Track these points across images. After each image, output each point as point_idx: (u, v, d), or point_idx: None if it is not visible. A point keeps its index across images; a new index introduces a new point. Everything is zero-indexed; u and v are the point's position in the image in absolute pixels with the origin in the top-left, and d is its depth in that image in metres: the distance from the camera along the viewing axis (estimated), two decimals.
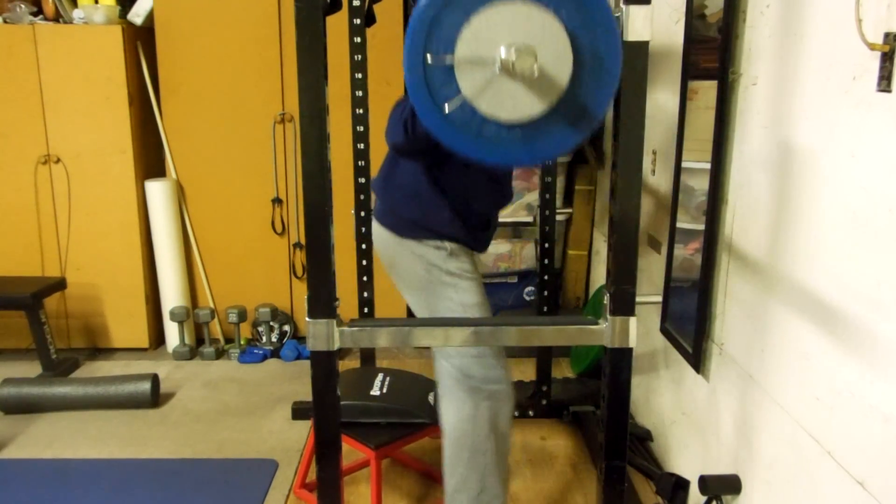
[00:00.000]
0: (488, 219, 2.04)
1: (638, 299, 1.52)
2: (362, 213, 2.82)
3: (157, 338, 3.76)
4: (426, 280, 1.94)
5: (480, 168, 1.89)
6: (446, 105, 1.30)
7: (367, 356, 3.10)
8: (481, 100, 1.31)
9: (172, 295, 3.63)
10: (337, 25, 2.26)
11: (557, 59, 1.29)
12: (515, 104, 1.31)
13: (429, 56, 1.29)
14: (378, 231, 2.03)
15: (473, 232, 1.97)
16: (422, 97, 1.32)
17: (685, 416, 2.31)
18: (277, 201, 3.63)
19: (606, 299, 1.54)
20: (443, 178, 1.91)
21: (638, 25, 1.36)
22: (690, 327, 2.12)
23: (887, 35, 1.26)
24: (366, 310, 2.97)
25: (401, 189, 1.96)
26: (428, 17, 1.28)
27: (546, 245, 2.83)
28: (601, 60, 1.32)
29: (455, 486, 1.93)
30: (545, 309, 2.86)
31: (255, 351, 3.62)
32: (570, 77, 1.30)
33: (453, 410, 1.93)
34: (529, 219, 3.57)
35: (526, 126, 1.34)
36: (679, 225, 2.27)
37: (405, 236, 1.95)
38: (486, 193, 1.98)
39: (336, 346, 1.52)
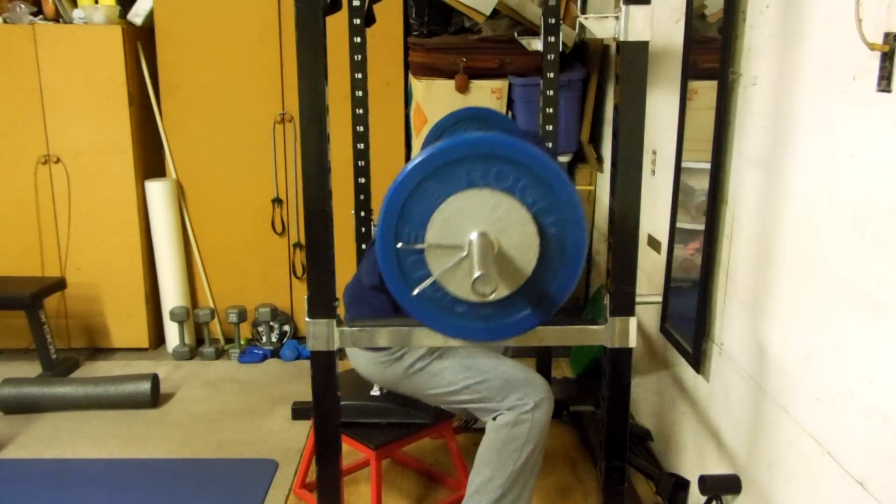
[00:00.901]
0: None
1: (638, 299, 1.52)
2: (362, 213, 2.82)
3: (157, 338, 3.76)
4: (416, 383, 1.98)
5: None
6: (416, 289, 1.36)
7: None
8: (450, 281, 1.37)
9: (172, 295, 3.63)
10: (337, 25, 2.26)
11: (523, 246, 1.35)
12: None
13: (399, 244, 1.35)
14: (353, 356, 2.05)
15: None
16: (394, 277, 1.39)
17: (685, 416, 2.31)
18: (277, 201, 3.63)
19: (606, 299, 1.54)
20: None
21: (638, 25, 1.37)
22: (690, 327, 2.12)
23: (887, 35, 1.26)
24: None
25: (371, 307, 1.98)
26: (396, 207, 1.34)
27: None
28: (565, 248, 1.37)
29: (477, 486, 1.93)
30: None
31: (255, 351, 3.62)
32: (535, 263, 1.36)
33: (496, 415, 1.94)
34: None
35: (491, 306, 1.40)
36: (679, 225, 2.27)
37: (378, 358, 1.98)
38: None
39: (336, 346, 1.53)
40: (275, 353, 3.65)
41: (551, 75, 2.58)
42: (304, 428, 2.91)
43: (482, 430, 1.97)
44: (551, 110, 2.62)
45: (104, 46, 3.36)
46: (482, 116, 2.72)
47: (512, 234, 1.34)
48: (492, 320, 1.42)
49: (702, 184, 2.08)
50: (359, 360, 2.05)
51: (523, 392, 1.90)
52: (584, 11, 3.37)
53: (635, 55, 1.38)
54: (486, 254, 1.30)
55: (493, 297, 1.35)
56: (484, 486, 1.91)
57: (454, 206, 1.33)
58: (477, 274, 1.25)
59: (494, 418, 1.92)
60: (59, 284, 3.46)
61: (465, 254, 1.33)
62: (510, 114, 3.27)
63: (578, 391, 3.09)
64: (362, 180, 2.80)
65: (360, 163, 2.78)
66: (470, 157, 1.31)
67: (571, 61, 3.35)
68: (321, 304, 1.50)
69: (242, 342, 3.69)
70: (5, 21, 3.38)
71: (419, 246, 1.34)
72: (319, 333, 1.51)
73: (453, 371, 1.94)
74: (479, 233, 1.33)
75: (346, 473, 2.50)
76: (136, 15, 3.50)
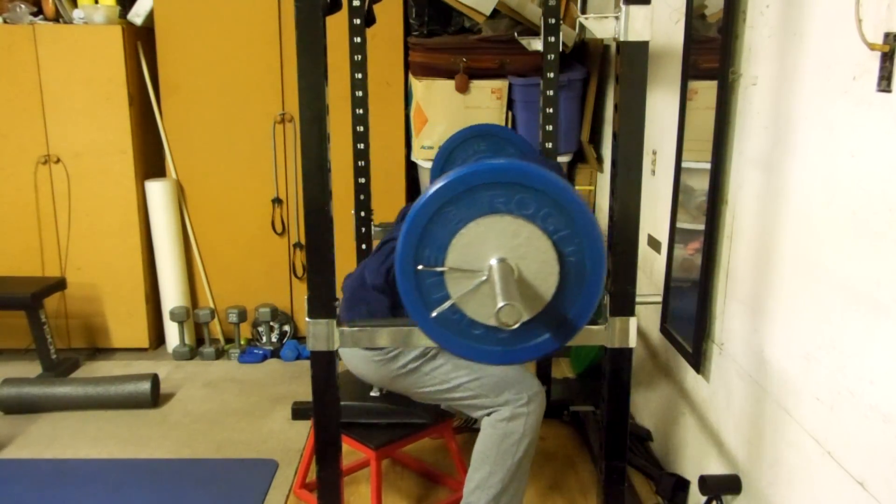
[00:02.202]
0: None
1: (638, 299, 1.52)
2: (362, 214, 2.82)
3: (157, 338, 3.76)
4: (410, 381, 1.99)
5: None
6: (435, 311, 1.36)
7: None
8: (468, 304, 1.36)
9: (172, 295, 3.63)
10: (337, 25, 2.26)
11: (543, 273, 1.35)
12: None
13: (420, 266, 1.34)
14: (346, 353, 2.05)
15: None
16: (413, 299, 1.37)
17: (685, 416, 2.31)
18: (277, 201, 3.63)
19: (606, 299, 1.54)
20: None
21: (638, 25, 1.37)
22: (690, 327, 2.12)
23: (887, 35, 1.26)
24: None
25: (368, 305, 1.98)
26: (417, 229, 1.33)
27: None
28: (584, 275, 1.36)
29: (477, 483, 1.94)
30: None
31: (255, 351, 3.62)
32: (555, 289, 1.36)
33: (491, 412, 1.94)
34: None
35: (509, 331, 1.38)
36: (679, 225, 2.27)
37: (372, 357, 1.98)
38: None
39: (336, 346, 1.53)
40: (275, 353, 3.65)
41: (551, 75, 2.58)
42: (304, 428, 2.91)
43: None
44: (551, 110, 2.62)
45: (104, 46, 3.36)
46: (489, 132, 2.71)
47: (532, 261, 1.34)
48: (510, 344, 1.41)
49: (702, 184, 2.08)
50: (351, 359, 2.05)
51: (517, 388, 1.92)
52: (584, 11, 3.37)
53: (635, 55, 1.38)
54: (510, 282, 1.30)
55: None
56: (484, 481, 1.92)
57: (475, 232, 1.33)
58: (501, 304, 1.24)
59: (489, 415, 1.93)
60: (59, 284, 3.46)
61: (484, 278, 1.33)
62: (510, 114, 3.27)
63: (578, 391, 3.09)
64: (362, 180, 2.80)
65: (360, 163, 2.78)
66: (494, 184, 1.31)
67: (571, 61, 3.36)
68: (321, 304, 1.50)
69: (242, 342, 3.69)
70: (5, 21, 3.38)
71: (439, 269, 1.34)
72: (319, 333, 1.52)
73: (447, 370, 1.95)
74: (498, 259, 1.33)
75: (346, 473, 2.50)
76: (136, 15, 3.50)
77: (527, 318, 1.36)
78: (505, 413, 1.91)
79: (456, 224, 1.33)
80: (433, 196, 1.32)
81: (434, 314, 1.36)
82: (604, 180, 3.49)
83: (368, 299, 1.98)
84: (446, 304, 1.35)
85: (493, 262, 1.33)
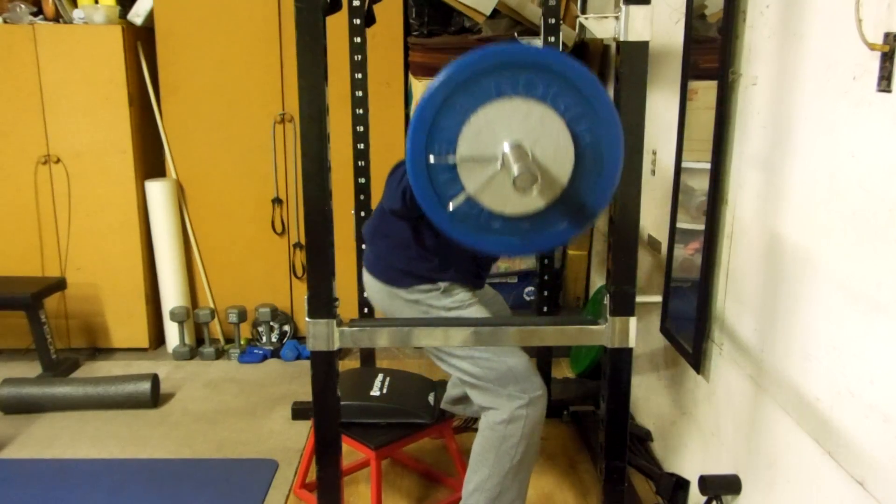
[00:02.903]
0: (478, 270, 2.05)
1: (638, 299, 1.52)
2: (362, 213, 2.82)
3: (157, 338, 3.76)
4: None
5: None
6: (451, 203, 1.32)
7: (367, 356, 3.10)
8: (484, 195, 1.32)
9: (172, 295, 3.63)
10: (337, 25, 2.26)
11: (558, 155, 1.31)
12: (518, 199, 1.32)
13: (431, 157, 1.30)
14: (369, 281, 2.05)
15: (464, 276, 1.98)
16: (427, 195, 1.34)
17: (685, 416, 2.31)
18: (277, 201, 3.63)
19: (606, 299, 1.54)
20: (432, 237, 1.92)
21: (638, 25, 1.37)
22: (690, 327, 2.12)
23: (887, 35, 1.26)
24: (366, 310, 2.97)
25: (389, 238, 1.98)
26: (427, 120, 1.29)
27: None
28: (601, 156, 1.32)
29: (476, 485, 1.93)
30: (545, 309, 2.86)
31: (255, 351, 3.62)
32: (571, 173, 1.31)
33: (489, 412, 1.93)
34: None
35: (527, 220, 1.35)
36: (679, 225, 2.27)
37: (394, 285, 1.97)
38: (472, 257, 1.98)
39: (336, 346, 1.53)
40: (275, 353, 3.65)
41: None
42: (304, 428, 2.91)
43: None
44: None
45: (104, 46, 3.36)
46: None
47: (546, 142, 1.29)
48: (529, 234, 1.37)
49: (702, 184, 2.08)
50: (374, 290, 2.02)
51: (522, 386, 1.89)
52: (584, 11, 3.37)
53: (635, 55, 1.39)
54: (522, 153, 1.26)
55: (532, 206, 1.30)
56: (482, 484, 1.91)
57: (485, 118, 1.28)
58: (516, 171, 1.21)
59: (487, 412, 1.92)
60: (59, 284, 3.46)
61: (499, 166, 1.28)
62: None
63: (578, 391, 3.08)
64: (362, 180, 2.80)
65: (360, 163, 2.79)
66: (496, 68, 1.26)
67: None
68: (321, 304, 1.50)
69: (242, 342, 3.69)
70: (5, 21, 3.38)
71: (451, 160, 1.29)
72: (319, 333, 1.52)
73: None
74: (512, 142, 1.28)
75: (346, 473, 2.50)
76: (136, 15, 3.50)
77: (543, 205, 1.32)
78: (503, 414, 1.89)
79: (464, 113, 1.28)
80: (437, 88, 1.27)
81: (452, 207, 1.32)
82: None
83: (389, 231, 1.96)
84: (462, 196, 1.31)
85: (506, 146, 1.28)
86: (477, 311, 1.96)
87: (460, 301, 1.95)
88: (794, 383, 1.61)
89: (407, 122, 3.53)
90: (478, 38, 3.24)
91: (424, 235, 1.93)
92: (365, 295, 2.13)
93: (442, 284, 1.94)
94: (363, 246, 2.11)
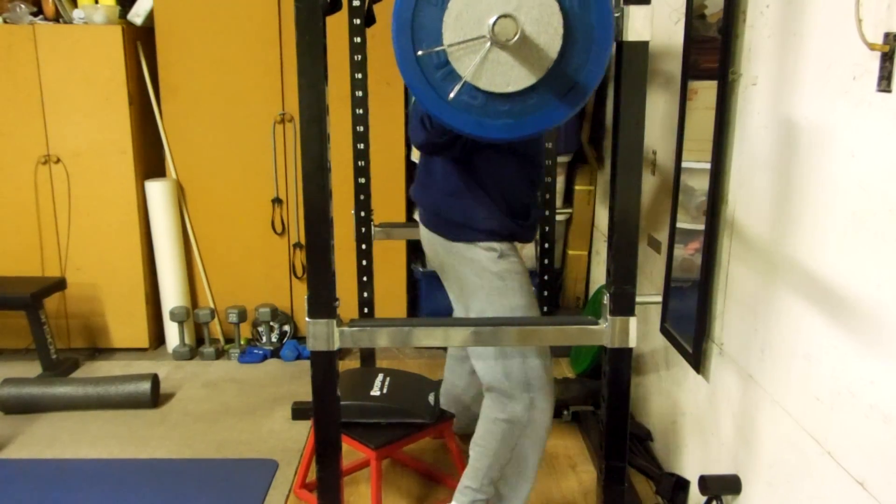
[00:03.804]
0: (528, 204, 2.04)
1: (638, 299, 1.52)
2: (362, 213, 2.82)
3: (157, 338, 3.76)
4: (477, 285, 1.95)
5: (509, 149, 1.91)
6: (451, 93, 1.32)
7: (367, 356, 3.10)
8: (480, 78, 1.32)
9: (172, 295, 3.63)
10: (337, 25, 2.26)
11: (544, 25, 1.29)
12: (512, 75, 1.32)
13: (419, 52, 1.30)
14: (427, 237, 2.03)
15: (517, 221, 1.98)
16: (423, 90, 1.34)
17: (685, 416, 2.31)
18: (277, 201, 3.63)
19: (606, 299, 1.54)
20: (475, 170, 1.91)
21: (638, 25, 1.37)
22: (690, 327, 2.12)
23: (887, 35, 1.26)
24: (366, 310, 2.97)
25: (439, 189, 1.96)
26: (406, 18, 1.30)
27: (546, 245, 2.84)
28: (590, 27, 1.31)
29: (470, 477, 1.96)
30: (545, 309, 2.86)
31: (255, 351, 3.62)
32: (560, 43, 1.31)
33: (490, 408, 1.95)
34: None
35: (523, 101, 1.35)
36: (679, 225, 2.27)
37: (456, 240, 1.96)
38: (519, 175, 1.98)
39: (336, 346, 1.53)
40: (275, 353, 3.65)
41: None
42: (304, 428, 2.91)
43: None
44: None
45: (104, 46, 3.36)
46: None
47: (531, 13, 1.28)
48: (526, 116, 1.37)
49: (702, 184, 2.08)
50: (434, 244, 2.01)
51: (533, 396, 1.92)
52: None
53: (635, 55, 1.38)
54: (508, 23, 1.27)
55: (525, 81, 1.30)
56: (481, 469, 1.96)
57: (462, 1, 1.28)
58: (493, 18, 1.22)
59: (490, 405, 1.93)
60: (59, 284, 3.46)
61: (488, 43, 1.28)
62: None
63: (578, 391, 3.08)
64: (362, 180, 2.80)
65: (360, 163, 2.78)
66: None
67: None
68: (321, 304, 1.50)
69: (242, 342, 3.69)
70: (5, 21, 3.38)
71: (439, 49, 1.29)
72: (319, 333, 1.52)
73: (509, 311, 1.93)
74: (498, 16, 1.27)
75: (346, 473, 2.50)
76: (136, 15, 3.50)
77: (533, 81, 1.32)
78: (506, 413, 1.90)
79: (440, 3, 1.28)
80: None
81: (451, 96, 1.32)
82: (604, 180, 3.49)
83: (435, 180, 1.97)
84: (459, 85, 1.31)
85: (492, 20, 1.27)
86: (521, 288, 1.95)
87: (512, 271, 1.95)
88: (795, 383, 1.61)
89: (407, 122, 3.53)
90: None
91: (470, 172, 1.91)
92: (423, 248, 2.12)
93: (499, 247, 1.94)
94: (414, 214, 2.08)
